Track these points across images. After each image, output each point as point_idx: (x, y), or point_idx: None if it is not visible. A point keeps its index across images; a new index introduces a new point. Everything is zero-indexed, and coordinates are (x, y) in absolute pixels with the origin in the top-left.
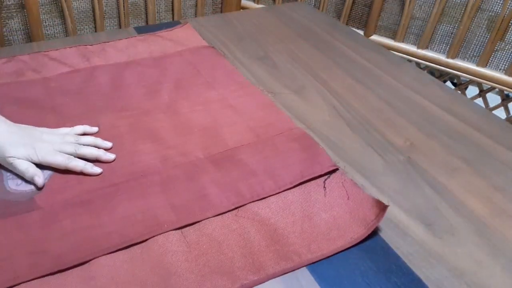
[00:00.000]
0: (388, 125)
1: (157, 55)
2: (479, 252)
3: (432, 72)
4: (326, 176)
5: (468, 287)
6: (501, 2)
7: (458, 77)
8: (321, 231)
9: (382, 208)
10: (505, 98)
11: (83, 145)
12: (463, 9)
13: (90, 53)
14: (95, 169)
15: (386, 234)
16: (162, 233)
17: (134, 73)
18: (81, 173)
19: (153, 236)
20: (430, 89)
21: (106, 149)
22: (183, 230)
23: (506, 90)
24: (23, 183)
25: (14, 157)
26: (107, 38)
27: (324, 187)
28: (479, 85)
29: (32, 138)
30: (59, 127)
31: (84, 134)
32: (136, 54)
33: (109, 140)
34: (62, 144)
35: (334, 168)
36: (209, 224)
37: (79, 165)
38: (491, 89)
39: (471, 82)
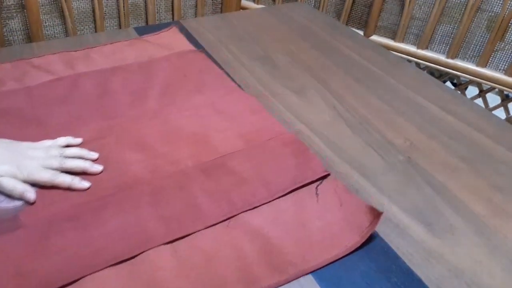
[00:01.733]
0: (388, 125)
1: (143, 60)
2: (479, 252)
3: (432, 72)
4: (318, 182)
5: (468, 287)
6: (501, 2)
7: (458, 77)
8: (316, 239)
9: (376, 214)
10: (505, 98)
11: (69, 157)
12: (463, 9)
13: (75, 60)
14: (83, 184)
15: (386, 234)
16: (152, 248)
17: (120, 80)
18: (68, 188)
19: (143, 251)
20: (430, 89)
21: (93, 160)
22: (174, 244)
23: (506, 90)
24: (6, 199)
25: None
26: (107, 39)
27: (316, 193)
28: (479, 85)
29: (16, 154)
30: (43, 138)
31: (68, 145)
32: (122, 59)
33: (95, 151)
34: (47, 159)
35: (326, 173)
36: (200, 237)
37: (66, 180)
38: (491, 89)
39: (471, 82)
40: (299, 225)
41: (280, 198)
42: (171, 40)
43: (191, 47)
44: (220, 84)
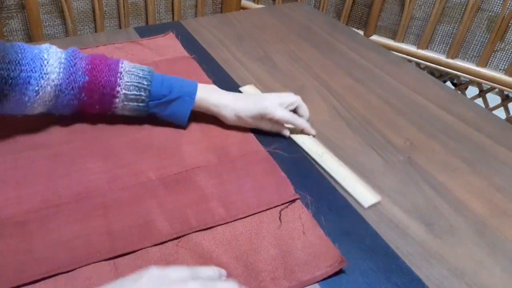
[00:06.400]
0: (388, 125)
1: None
2: (479, 252)
3: (432, 72)
4: (283, 206)
5: (468, 287)
6: (501, 2)
7: (458, 77)
8: (265, 268)
9: (340, 261)
10: (505, 98)
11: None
12: (463, 9)
13: None
14: None
15: (386, 234)
16: (92, 263)
17: None
18: (19, 193)
19: (82, 266)
20: (430, 89)
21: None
22: (116, 260)
23: (506, 90)
24: None
25: None
26: (107, 39)
27: (279, 218)
28: (479, 85)
29: None
30: (13, 137)
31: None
32: None
33: (59, 156)
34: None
35: (294, 198)
36: (146, 255)
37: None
38: (491, 89)
39: (471, 82)
40: (252, 251)
41: (239, 220)
42: (165, 46)
43: (184, 53)
44: None
